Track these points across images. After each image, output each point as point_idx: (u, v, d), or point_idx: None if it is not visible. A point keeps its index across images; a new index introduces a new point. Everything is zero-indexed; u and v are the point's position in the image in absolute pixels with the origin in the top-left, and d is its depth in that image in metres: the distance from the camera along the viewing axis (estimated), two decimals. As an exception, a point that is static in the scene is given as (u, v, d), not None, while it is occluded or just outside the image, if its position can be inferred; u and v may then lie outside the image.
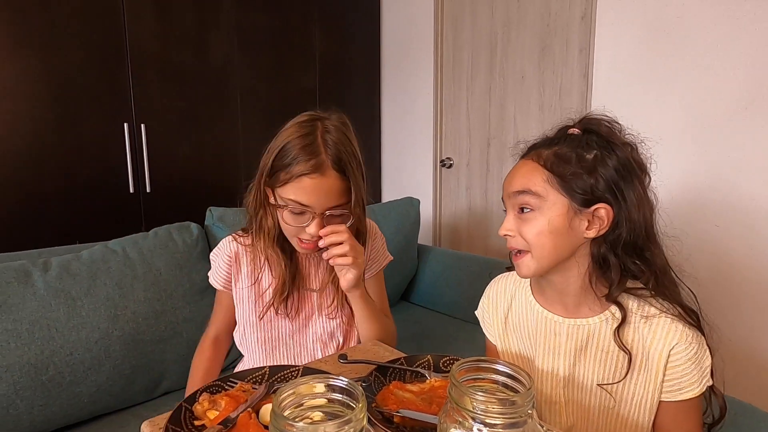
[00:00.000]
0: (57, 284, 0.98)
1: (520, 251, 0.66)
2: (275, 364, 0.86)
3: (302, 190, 0.74)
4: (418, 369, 0.71)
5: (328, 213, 0.76)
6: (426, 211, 2.25)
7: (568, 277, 0.66)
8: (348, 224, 0.79)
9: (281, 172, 0.75)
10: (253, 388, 0.63)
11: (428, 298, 1.75)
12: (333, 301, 0.91)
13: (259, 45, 1.99)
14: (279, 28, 2.04)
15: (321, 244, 0.78)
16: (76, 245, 1.17)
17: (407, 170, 2.41)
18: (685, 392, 0.62)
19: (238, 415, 0.55)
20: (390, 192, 2.51)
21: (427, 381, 0.67)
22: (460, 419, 0.41)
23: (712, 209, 1.38)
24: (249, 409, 0.56)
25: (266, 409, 0.57)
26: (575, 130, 0.66)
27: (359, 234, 0.88)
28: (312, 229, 0.76)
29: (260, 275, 0.88)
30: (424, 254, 1.81)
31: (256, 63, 1.98)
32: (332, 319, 0.91)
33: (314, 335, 0.90)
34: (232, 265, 0.89)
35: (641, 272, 0.63)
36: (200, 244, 1.22)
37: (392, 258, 1.02)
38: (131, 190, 1.70)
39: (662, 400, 0.64)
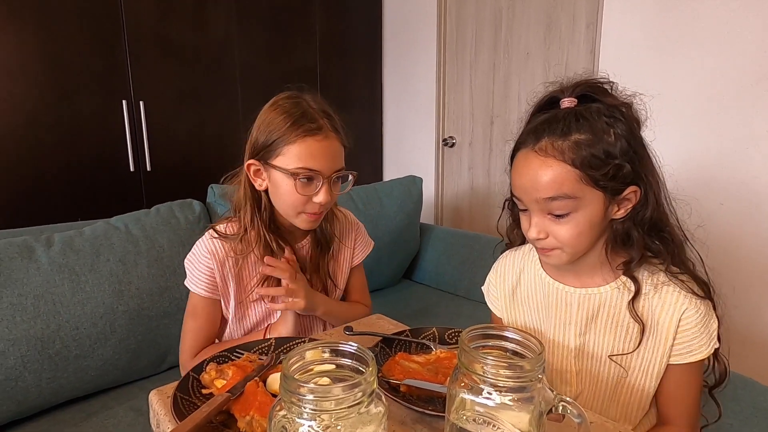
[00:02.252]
0: (60, 260, 0.98)
1: (552, 248, 0.63)
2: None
3: (309, 154, 0.74)
4: (424, 341, 0.72)
5: (334, 176, 0.77)
6: (428, 190, 2.24)
7: (588, 253, 0.65)
8: (348, 186, 0.83)
9: (279, 140, 0.75)
10: (260, 359, 0.64)
11: (430, 277, 1.76)
12: (320, 289, 0.91)
13: (259, 21, 1.94)
14: (279, 5, 1.99)
15: (265, 271, 0.80)
16: (78, 222, 1.17)
17: (409, 149, 2.39)
18: (695, 354, 0.62)
19: (245, 383, 0.55)
20: (391, 171, 2.49)
21: (433, 352, 0.68)
22: (471, 384, 0.42)
23: (718, 187, 1.37)
24: (256, 378, 0.57)
25: (273, 378, 0.58)
26: (570, 102, 0.61)
27: (327, 223, 0.89)
28: (322, 196, 0.76)
29: (257, 267, 0.84)
30: (426, 233, 1.81)
31: (256, 40, 1.94)
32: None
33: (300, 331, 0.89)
34: (215, 268, 0.81)
35: (661, 248, 0.63)
36: (202, 221, 1.22)
37: (374, 244, 1.03)
38: (131, 169, 1.69)
39: (671, 363, 0.64)
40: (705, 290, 0.63)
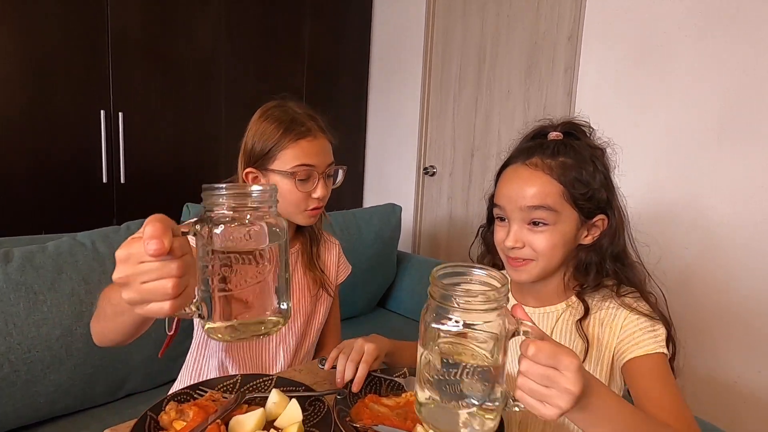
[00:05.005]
0: (18, 277, 0.93)
1: (524, 259, 0.67)
2: (232, 365, 0.83)
3: (304, 154, 0.80)
4: (396, 378, 0.71)
5: (327, 171, 0.83)
6: (407, 218, 2.25)
7: (552, 277, 0.70)
8: (339, 182, 0.87)
9: (275, 147, 0.80)
10: (224, 398, 0.61)
11: (405, 306, 1.75)
12: (317, 289, 0.93)
13: (249, 38, 1.95)
14: (270, 23, 2.01)
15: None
16: (42, 236, 1.12)
17: (390, 176, 2.41)
18: (642, 347, 0.63)
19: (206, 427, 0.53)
20: (371, 197, 2.50)
21: (403, 395, 0.67)
22: (441, 315, 0.44)
23: (683, 230, 1.43)
24: (218, 420, 0.54)
25: (236, 421, 0.56)
26: (557, 135, 0.69)
27: (313, 240, 0.93)
28: (320, 191, 0.81)
29: None
30: (403, 261, 1.81)
31: (244, 56, 1.94)
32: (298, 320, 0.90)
33: (278, 337, 0.88)
34: None
35: (623, 277, 0.68)
36: (175, 241, 1.18)
37: (351, 269, 1.06)
38: (104, 180, 1.64)
39: (624, 363, 0.64)
40: (657, 314, 0.66)
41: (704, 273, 1.39)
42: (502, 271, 0.59)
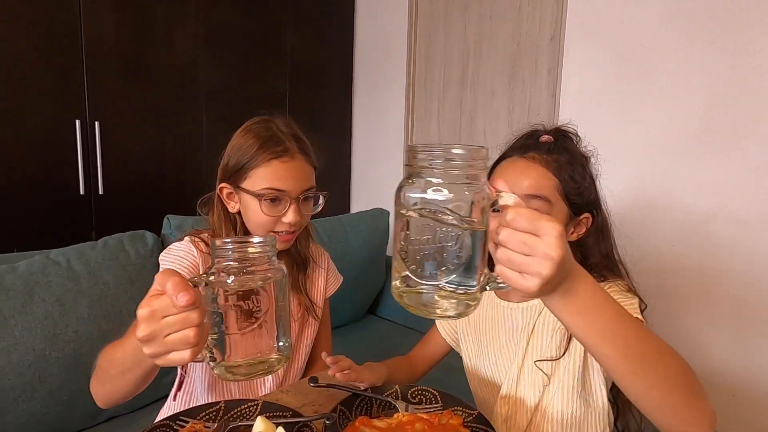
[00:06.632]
0: (-14, 301, 0.88)
1: None
2: (219, 390, 0.80)
3: (275, 175, 0.75)
4: (388, 399, 0.68)
5: (302, 197, 0.77)
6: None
7: None
8: (320, 207, 0.82)
9: (247, 164, 0.76)
10: (206, 428, 0.58)
11: (396, 312, 1.73)
12: (301, 312, 0.90)
13: (228, 45, 1.90)
14: (250, 29, 1.97)
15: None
16: (14, 254, 1.06)
17: (377, 180, 2.39)
18: None
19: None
20: (359, 202, 2.47)
21: (395, 416, 0.64)
22: (420, 183, 0.41)
23: (665, 228, 1.44)
24: (200, 454, 0.51)
25: (220, 453, 0.53)
26: (548, 138, 0.71)
27: (305, 259, 0.90)
28: (290, 216, 0.75)
29: None
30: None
31: (224, 63, 1.90)
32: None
33: None
34: (200, 263, 0.78)
35: (603, 271, 0.70)
36: (155, 256, 1.14)
37: (342, 279, 1.04)
38: (81, 192, 1.58)
39: None
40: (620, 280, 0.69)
41: (688, 271, 1.40)
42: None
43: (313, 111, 2.27)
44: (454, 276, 0.41)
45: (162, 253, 0.81)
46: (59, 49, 1.49)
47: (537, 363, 0.70)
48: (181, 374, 0.64)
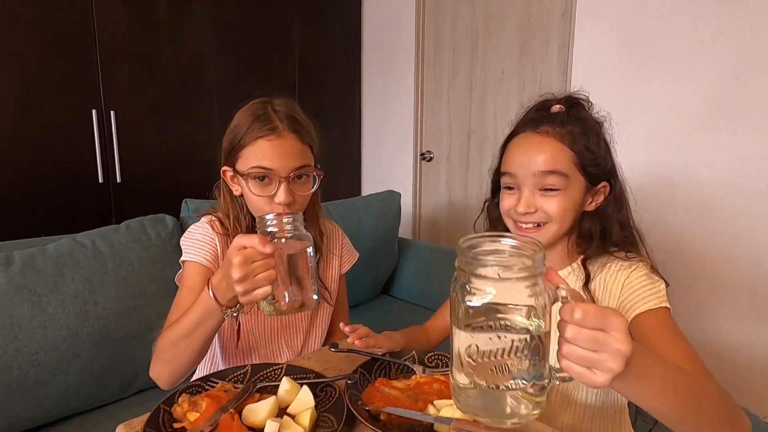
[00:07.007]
0: (20, 280, 0.93)
1: (536, 225, 0.68)
2: (236, 362, 0.84)
3: (261, 154, 0.73)
4: (406, 363, 0.71)
5: (292, 176, 0.74)
6: (405, 204, 2.24)
7: (557, 243, 0.71)
8: (313, 188, 0.79)
9: (238, 145, 0.76)
10: (235, 388, 0.61)
11: (409, 292, 1.75)
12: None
13: (237, 36, 1.92)
14: (257, 22, 1.98)
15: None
16: (41, 238, 1.11)
17: (387, 163, 2.40)
18: (645, 302, 0.64)
19: (219, 417, 0.53)
20: (369, 185, 2.49)
21: (413, 377, 0.67)
22: (474, 290, 0.40)
23: (679, 203, 1.43)
24: (231, 410, 0.55)
25: (249, 410, 0.56)
26: (559, 108, 0.70)
27: (318, 235, 0.90)
28: (281, 196, 0.73)
29: None
30: (404, 248, 1.81)
31: (233, 53, 1.91)
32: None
33: (280, 330, 0.88)
34: (218, 244, 0.81)
35: (622, 241, 0.69)
36: (175, 237, 1.18)
37: (359, 255, 1.04)
38: (100, 180, 1.63)
39: (630, 319, 0.64)
40: (657, 275, 0.68)
41: (701, 244, 1.40)
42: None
43: (322, 96, 2.28)
44: (522, 378, 0.40)
45: (183, 237, 0.83)
46: (73, 44, 1.53)
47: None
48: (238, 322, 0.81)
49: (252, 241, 0.57)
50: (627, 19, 1.49)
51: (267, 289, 0.57)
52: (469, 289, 0.40)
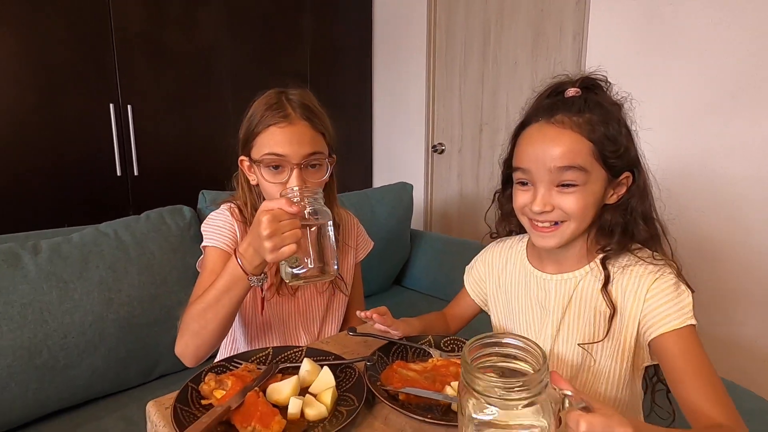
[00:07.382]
0: (48, 267, 0.96)
1: (554, 224, 0.63)
2: (256, 344, 0.86)
3: (274, 140, 0.75)
4: (423, 346, 0.73)
5: (304, 163, 0.76)
6: (417, 196, 2.25)
7: (575, 240, 0.66)
8: (326, 175, 0.80)
9: (252, 133, 0.77)
10: (258, 368, 0.64)
11: (421, 283, 1.77)
12: (327, 286, 0.93)
13: (250, 26, 1.94)
14: (270, 11, 1.99)
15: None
16: (65, 228, 1.15)
17: (399, 155, 2.41)
18: (669, 322, 0.59)
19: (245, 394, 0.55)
20: (381, 177, 2.50)
21: (430, 360, 0.69)
22: (477, 402, 0.41)
23: (697, 193, 1.41)
24: (256, 388, 0.57)
25: (273, 389, 0.58)
26: (575, 92, 0.64)
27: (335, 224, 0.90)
28: (293, 183, 0.74)
29: None
30: (416, 239, 1.82)
31: (246, 44, 1.94)
32: (321, 293, 0.92)
33: (297, 315, 0.90)
34: (237, 230, 0.82)
35: (646, 237, 0.65)
36: (193, 228, 1.21)
37: (374, 244, 1.05)
38: (118, 173, 1.67)
39: (652, 338, 0.61)
40: (682, 280, 0.63)
41: (720, 234, 1.38)
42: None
43: (334, 88, 2.29)
44: None
45: (203, 223, 0.85)
46: (90, 37, 1.56)
47: (582, 345, 0.66)
48: (264, 290, 0.83)
49: (279, 202, 0.61)
50: (642, 5, 1.47)
51: (292, 246, 0.61)
52: (473, 403, 0.41)
